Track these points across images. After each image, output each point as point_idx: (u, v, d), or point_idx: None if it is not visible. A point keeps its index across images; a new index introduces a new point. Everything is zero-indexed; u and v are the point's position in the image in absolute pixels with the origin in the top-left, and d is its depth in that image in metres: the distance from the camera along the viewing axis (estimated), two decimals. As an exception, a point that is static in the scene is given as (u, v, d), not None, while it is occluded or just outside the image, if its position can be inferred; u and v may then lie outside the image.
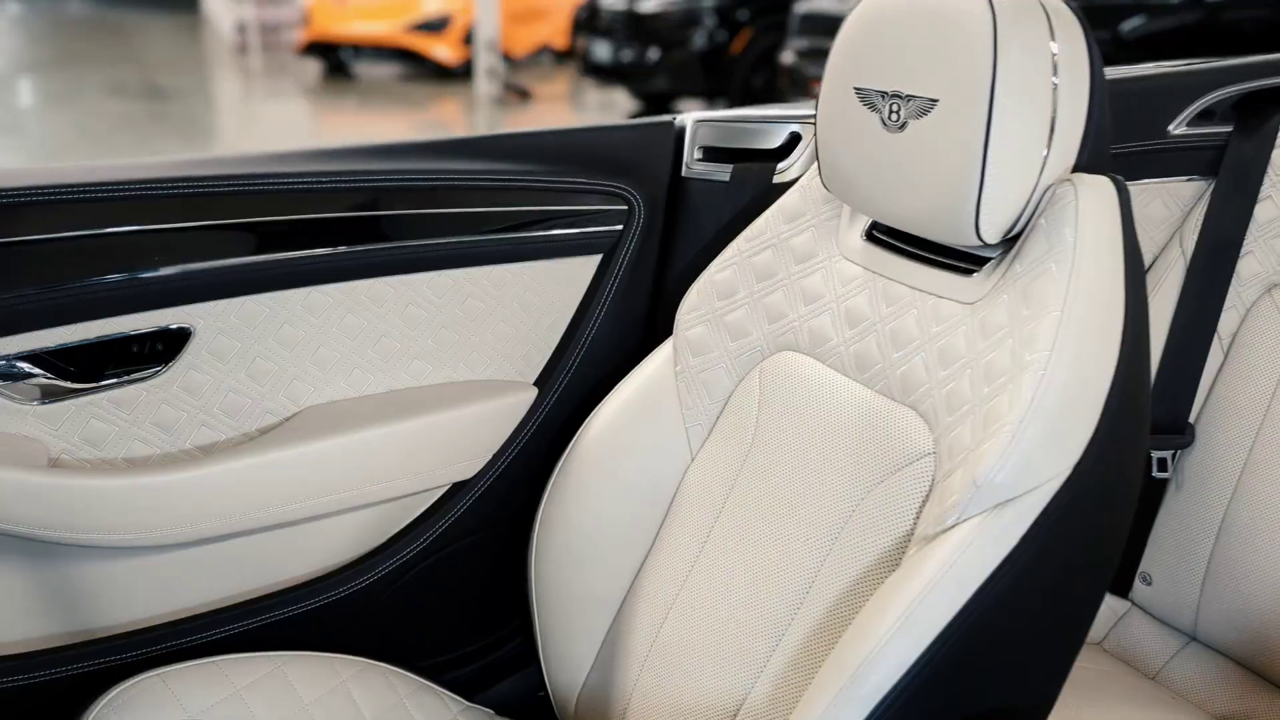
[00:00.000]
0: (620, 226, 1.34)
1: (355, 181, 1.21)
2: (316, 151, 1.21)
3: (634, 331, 1.36)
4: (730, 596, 1.09)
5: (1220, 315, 1.38)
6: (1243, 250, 1.37)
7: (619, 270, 1.35)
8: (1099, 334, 0.88)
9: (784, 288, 1.14)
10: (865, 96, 0.99)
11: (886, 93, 0.97)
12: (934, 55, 0.93)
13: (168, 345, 1.17)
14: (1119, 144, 1.43)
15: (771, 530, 1.07)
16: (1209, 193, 1.41)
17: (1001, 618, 0.85)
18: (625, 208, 1.33)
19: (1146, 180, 1.44)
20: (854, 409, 1.05)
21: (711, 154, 1.37)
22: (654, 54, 8.73)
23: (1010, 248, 0.96)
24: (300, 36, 11.21)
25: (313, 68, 11.35)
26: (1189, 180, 1.43)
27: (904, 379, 1.02)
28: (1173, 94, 1.42)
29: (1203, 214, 1.40)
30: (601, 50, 9.17)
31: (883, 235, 1.08)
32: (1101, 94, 0.94)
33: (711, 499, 1.15)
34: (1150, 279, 1.44)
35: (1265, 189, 1.36)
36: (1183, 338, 1.40)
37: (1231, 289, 1.38)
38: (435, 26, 10.82)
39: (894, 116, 0.96)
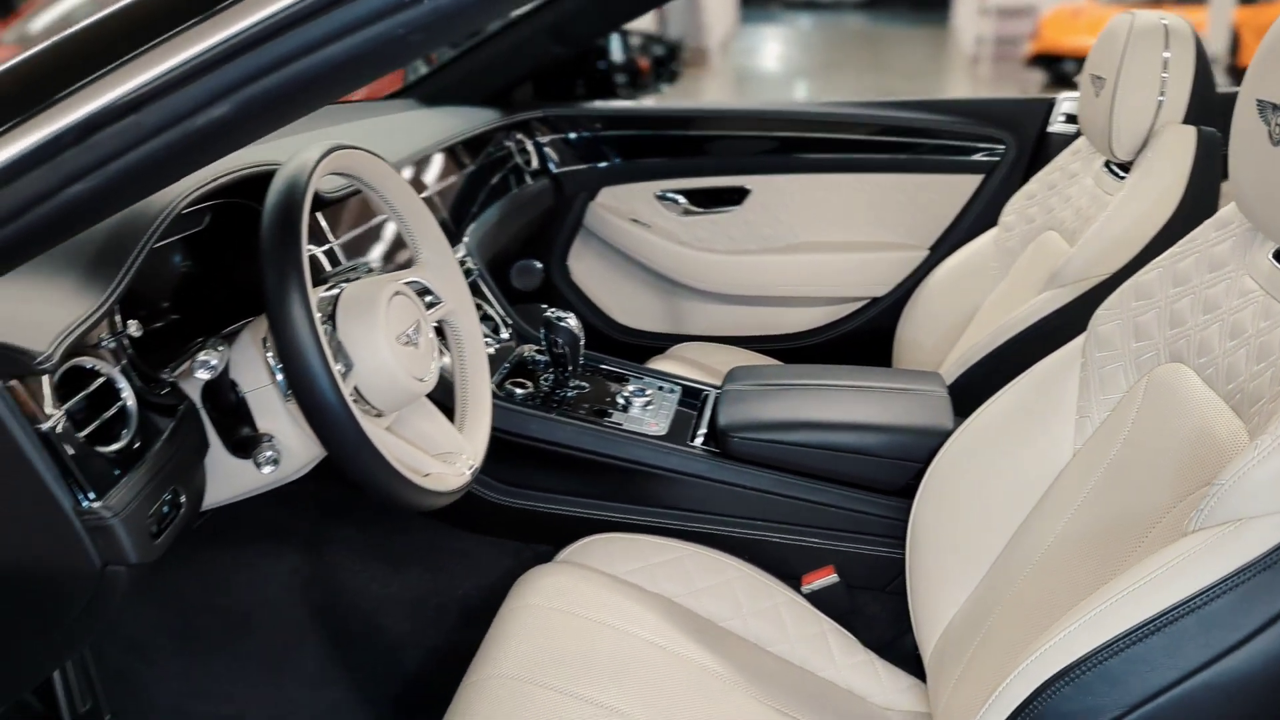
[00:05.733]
0: (998, 159, 2.21)
1: (840, 117, 2.27)
2: (825, 102, 2.29)
3: (994, 222, 2.21)
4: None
5: None
6: None
7: (993, 185, 2.22)
8: (1151, 202, 1.58)
9: (1059, 191, 1.93)
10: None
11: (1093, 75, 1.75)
12: (1105, 53, 1.69)
13: (738, 195, 2.36)
14: None
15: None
16: None
17: None
18: (1002, 147, 2.20)
19: None
20: None
21: (1070, 119, 2.16)
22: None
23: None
24: (1028, 48, 11.99)
25: (1035, 78, 12.05)
26: None
27: None
28: None
29: None
30: None
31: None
32: (1203, 82, 1.62)
33: None
34: None
35: None
36: None
37: None
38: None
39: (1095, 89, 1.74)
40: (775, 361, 2.25)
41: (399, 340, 1.10)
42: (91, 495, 0.90)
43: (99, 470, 0.92)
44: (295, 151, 1.06)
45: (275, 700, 1.59)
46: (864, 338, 2.37)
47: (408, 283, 1.23)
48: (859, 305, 2.37)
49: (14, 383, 0.86)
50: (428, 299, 1.28)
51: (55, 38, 0.75)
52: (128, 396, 0.98)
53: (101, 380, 0.96)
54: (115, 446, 0.95)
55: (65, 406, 0.90)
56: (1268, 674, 0.80)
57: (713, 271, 2.37)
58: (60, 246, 0.88)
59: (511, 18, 2.20)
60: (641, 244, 2.39)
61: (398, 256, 1.56)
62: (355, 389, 1.08)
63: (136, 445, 0.97)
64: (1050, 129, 2.19)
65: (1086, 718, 0.84)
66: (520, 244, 2.35)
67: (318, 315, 1.04)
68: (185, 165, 0.80)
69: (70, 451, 0.89)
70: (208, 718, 1.58)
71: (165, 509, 0.98)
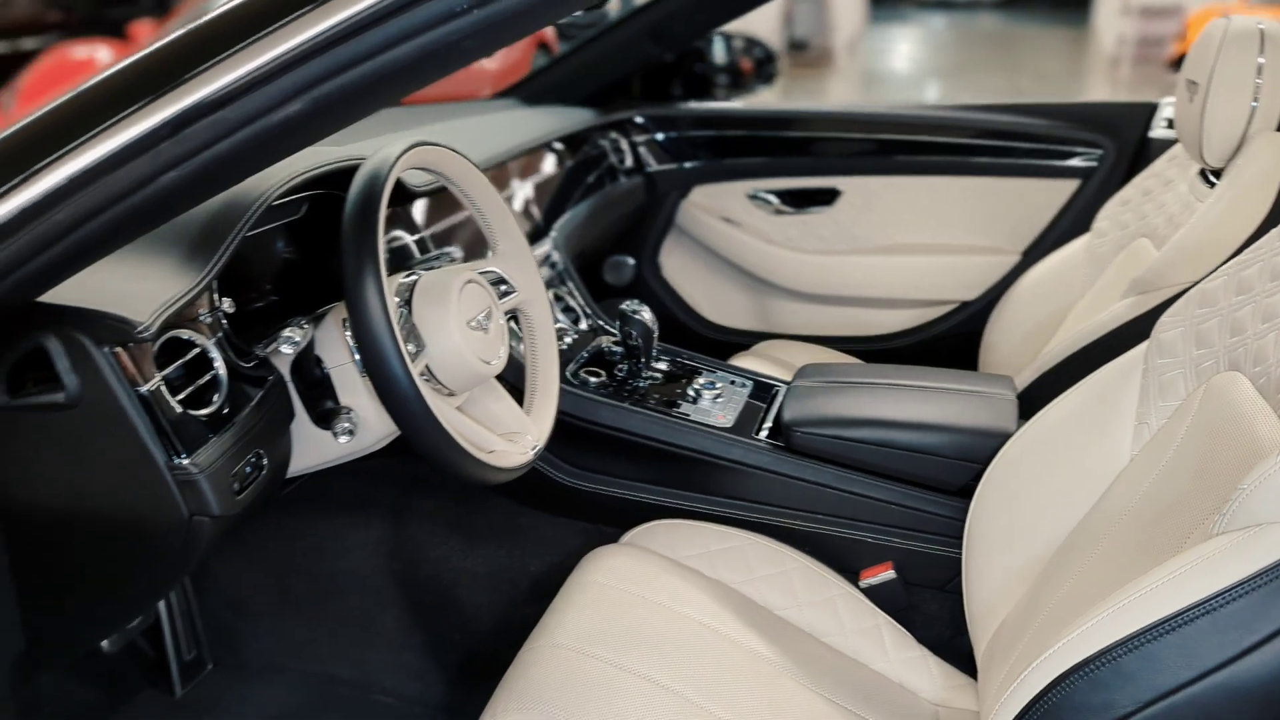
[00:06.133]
0: (1096, 164, 2.17)
1: (935, 120, 2.26)
2: (921, 104, 2.28)
3: (1089, 228, 2.17)
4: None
5: None
6: None
7: (1090, 191, 2.18)
8: (1238, 210, 1.55)
9: (1154, 198, 1.89)
10: None
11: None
12: (1200, 58, 1.66)
13: (830, 196, 2.38)
14: None
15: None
16: None
17: None
18: (1101, 152, 2.17)
19: None
20: None
21: (1170, 124, 2.11)
22: None
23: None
24: (1173, 50, 11.47)
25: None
26: None
27: None
28: None
29: None
30: None
31: None
32: None
33: None
34: None
35: None
36: None
37: None
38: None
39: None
40: (855, 360, 2.27)
41: (470, 325, 1.18)
42: (183, 453, 1.00)
43: (191, 431, 1.02)
44: (380, 147, 1.15)
45: (360, 660, 1.70)
46: (952, 341, 2.36)
47: (483, 272, 1.31)
48: (949, 309, 2.36)
49: (118, 349, 0.97)
50: (502, 288, 1.36)
51: (152, 45, 0.85)
52: (219, 366, 1.08)
53: (197, 351, 1.07)
54: (206, 411, 1.05)
55: (163, 373, 1.01)
56: None
57: (802, 271, 2.39)
58: (164, 230, 0.99)
59: (610, 21, 2.27)
60: (732, 242, 2.43)
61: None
62: (426, 368, 1.16)
63: (226, 411, 1.07)
64: (1152, 134, 2.14)
65: (1100, 712, 0.85)
66: (613, 240, 2.43)
67: (395, 299, 1.13)
68: (266, 157, 0.89)
69: (165, 412, 1.00)
70: (298, 673, 1.70)
71: (248, 469, 1.08)
